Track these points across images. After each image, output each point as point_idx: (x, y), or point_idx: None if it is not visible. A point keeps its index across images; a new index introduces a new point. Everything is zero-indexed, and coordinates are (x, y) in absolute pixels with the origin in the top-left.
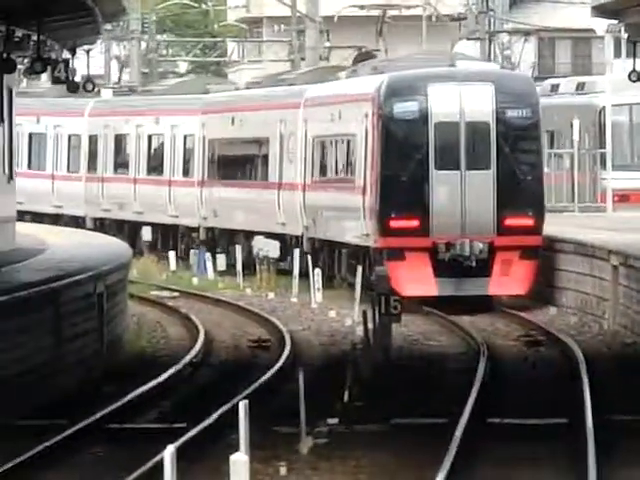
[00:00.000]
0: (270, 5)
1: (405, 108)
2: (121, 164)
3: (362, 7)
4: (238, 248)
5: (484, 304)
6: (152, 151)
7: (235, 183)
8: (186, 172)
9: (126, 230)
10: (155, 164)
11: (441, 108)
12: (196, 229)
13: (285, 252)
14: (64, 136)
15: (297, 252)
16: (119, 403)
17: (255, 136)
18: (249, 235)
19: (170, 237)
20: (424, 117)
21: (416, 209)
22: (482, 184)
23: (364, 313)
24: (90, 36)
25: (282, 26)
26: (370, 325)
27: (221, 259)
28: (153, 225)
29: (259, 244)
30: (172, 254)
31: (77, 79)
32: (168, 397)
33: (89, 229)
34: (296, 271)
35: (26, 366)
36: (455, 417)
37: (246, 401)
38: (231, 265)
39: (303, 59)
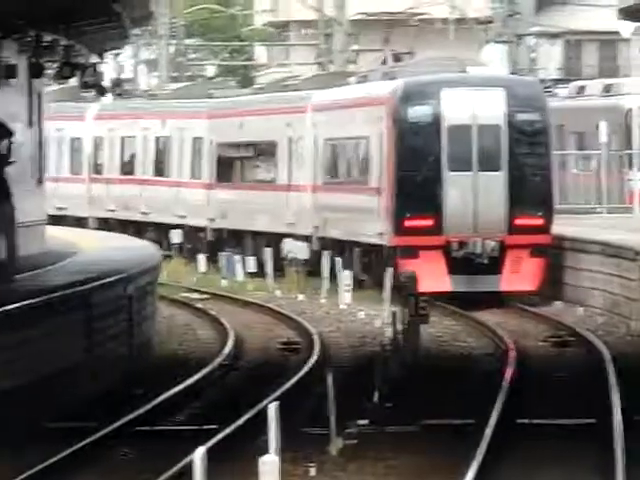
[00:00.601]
0: (297, 9)
1: (419, 112)
2: (127, 166)
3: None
4: (268, 251)
5: (494, 300)
6: (157, 153)
7: (243, 185)
8: (194, 174)
9: (131, 230)
10: (161, 166)
11: (454, 112)
12: (203, 229)
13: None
14: (66, 139)
15: (326, 253)
16: (149, 405)
17: (263, 139)
18: (257, 235)
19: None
20: (437, 121)
21: (430, 209)
22: (493, 185)
23: (393, 314)
24: (118, 40)
25: (309, 30)
26: (399, 326)
27: (250, 261)
28: (158, 225)
29: (288, 246)
30: (201, 256)
31: (105, 83)
32: (198, 399)
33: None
34: (325, 273)
35: (57, 368)
36: (484, 418)
37: (276, 403)
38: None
39: (331, 62)
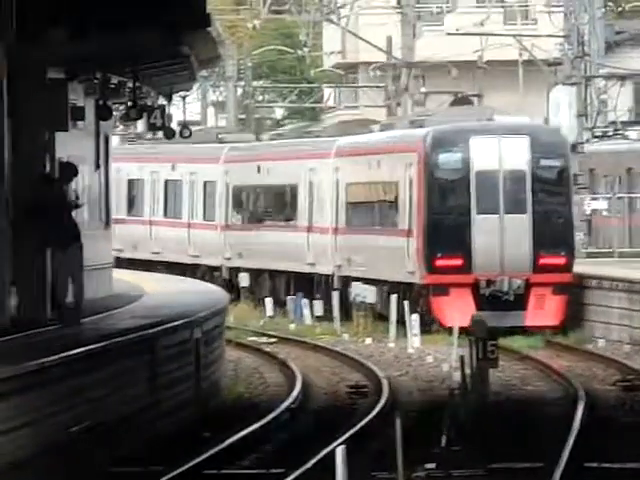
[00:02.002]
0: (366, 51)
1: (449, 158)
2: (135, 206)
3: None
4: (335, 294)
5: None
6: (168, 194)
7: (262, 226)
8: (208, 216)
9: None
10: (173, 206)
11: (482, 158)
12: (218, 268)
13: (315, 291)
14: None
15: (394, 297)
16: (216, 449)
17: (283, 183)
18: (275, 274)
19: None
20: (466, 166)
21: (459, 249)
22: (519, 227)
23: (461, 358)
24: (186, 82)
25: (378, 72)
26: (467, 370)
27: (318, 305)
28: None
29: (356, 290)
30: (269, 300)
31: (173, 126)
32: (266, 443)
33: None
34: (393, 317)
35: (123, 412)
36: (553, 461)
37: (344, 446)
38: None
39: (399, 104)
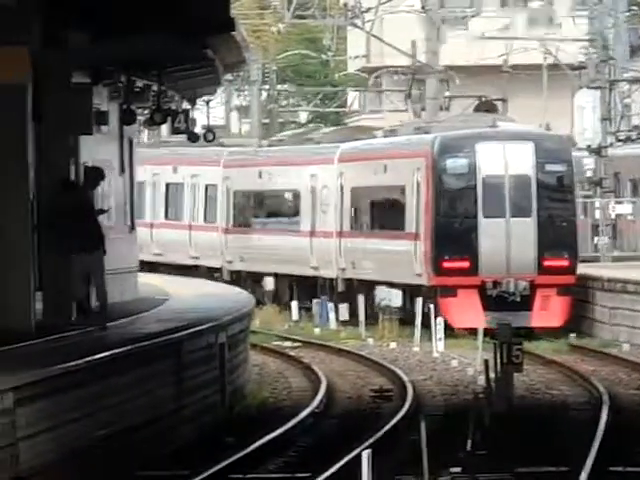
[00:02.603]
0: (390, 55)
1: (456, 163)
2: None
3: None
4: (360, 298)
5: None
6: (169, 196)
7: (265, 230)
8: (209, 218)
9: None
10: (174, 209)
11: (488, 164)
12: (219, 269)
13: (318, 293)
14: None
15: (419, 301)
16: (241, 453)
17: (284, 188)
18: (277, 277)
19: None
20: (473, 171)
21: (466, 252)
22: (524, 230)
23: (486, 362)
24: (210, 86)
25: (402, 76)
26: (492, 374)
27: (343, 309)
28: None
29: (381, 294)
30: (294, 304)
31: (197, 130)
32: (290, 447)
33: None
34: (418, 321)
35: (148, 417)
36: (578, 465)
37: (369, 450)
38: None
39: (423, 109)
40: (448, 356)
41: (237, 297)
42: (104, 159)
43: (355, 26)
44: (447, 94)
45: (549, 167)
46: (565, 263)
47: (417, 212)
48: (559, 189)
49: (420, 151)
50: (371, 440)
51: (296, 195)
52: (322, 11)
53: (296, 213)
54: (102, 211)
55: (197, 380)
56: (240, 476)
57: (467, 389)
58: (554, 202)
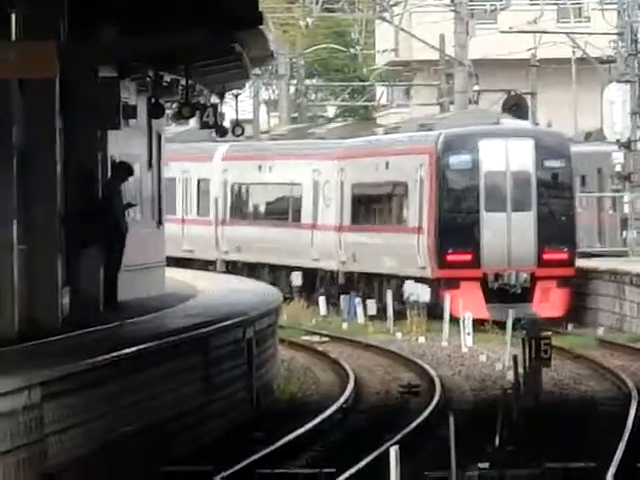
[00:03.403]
0: (419, 49)
1: (460, 159)
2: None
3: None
4: (389, 293)
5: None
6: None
7: (266, 222)
8: (203, 211)
9: None
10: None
11: (490, 160)
12: (213, 262)
13: (319, 285)
14: None
15: (447, 296)
16: (269, 448)
17: (284, 181)
18: (275, 268)
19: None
20: (476, 167)
21: (469, 245)
22: (525, 224)
23: (515, 358)
24: (238, 80)
25: (431, 70)
26: (520, 370)
27: (371, 304)
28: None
29: (409, 288)
30: (322, 299)
31: (225, 124)
32: (318, 442)
33: None
34: (446, 315)
35: (175, 412)
36: (606, 461)
37: (397, 446)
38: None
39: (452, 103)
40: (477, 351)
41: (264, 292)
42: (132, 153)
43: (384, 20)
44: (476, 88)
45: (548, 163)
46: (564, 256)
47: (420, 206)
48: (558, 184)
49: (424, 148)
50: (399, 436)
51: (298, 190)
52: (350, 5)
53: (298, 206)
54: (130, 205)
55: (225, 375)
56: (268, 471)
57: (495, 384)
58: (553, 197)
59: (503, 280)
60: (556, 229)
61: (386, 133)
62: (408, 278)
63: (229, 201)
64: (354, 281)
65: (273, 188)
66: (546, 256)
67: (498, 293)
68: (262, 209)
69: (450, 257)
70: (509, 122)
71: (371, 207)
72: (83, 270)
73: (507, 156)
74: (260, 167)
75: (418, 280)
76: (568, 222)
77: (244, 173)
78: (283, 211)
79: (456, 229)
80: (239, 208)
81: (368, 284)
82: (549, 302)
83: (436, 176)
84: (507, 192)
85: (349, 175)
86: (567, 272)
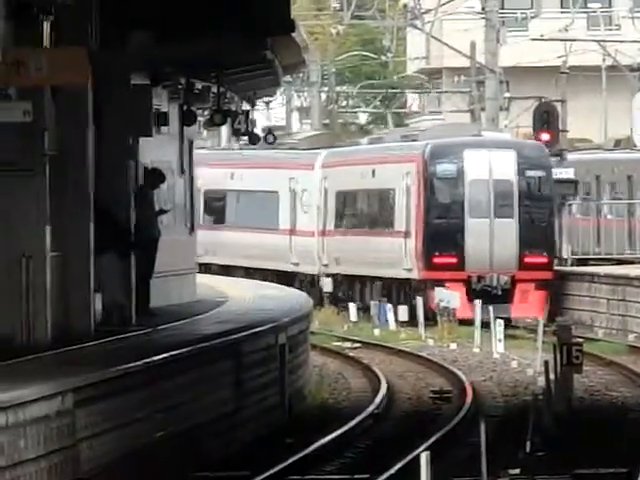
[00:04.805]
0: (450, 56)
1: (445, 169)
2: None
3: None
4: (419, 300)
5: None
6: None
7: (242, 228)
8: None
9: None
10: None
11: (474, 169)
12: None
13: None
14: None
15: (478, 302)
16: (301, 454)
17: (259, 189)
18: (256, 272)
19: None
20: (461, 176)
21: (454, 249)
22: (506, 230)
23: (546, 363)
24: (270, 87)
25: (462, 77)
26: (552, 376)
27: (402, 310)
28: None
29: (440, 295)
30: (352, 305)
31: (257, 131)
32: (350, 448)
33: None
34: (478, 321)
35: (207, 418)
36: (636, 468)
37: (428, 452)
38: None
39: (483, 110)
40: (508, 357)
41: (296, 299)
42: (164, 160)
43: (415, 27)
44: (506, 95)
45: (529, 173)
46: (543, 260)
47: (407, 212)
48: (538, 193)
49: (411, 157)
50: (430, 441)
51: (275, 198)
52: (381, 12)
53: (275, 213)
54: (162, 211)
55: (257, 381)
56: (299, 477)
57: (527, 390)
58: (534, 205)
59: (485, 282)
60: (536, 235)
61: (370, 143)
62: (393, 279)
63: (204, 208)
64: (336, 283)
65: (246, 195)
66: (526, 260)
67: (480, 294)
68: (240, 215)
69: (436, 260)
70: (491, 134)
71: (357, 212)
72: (116, 276)
73: (490, 166)
74: (232, 175)
75: (403, 281)
76: (548, 228)
77: (216, 180)
78: (261, 217)
79: (442, 234)
80: (217, 214)
81: (351, 286)
82: (527, 303)
83: (423, 183)
84: (490, 200)
85: (331, 183)
86: (546, 275)
